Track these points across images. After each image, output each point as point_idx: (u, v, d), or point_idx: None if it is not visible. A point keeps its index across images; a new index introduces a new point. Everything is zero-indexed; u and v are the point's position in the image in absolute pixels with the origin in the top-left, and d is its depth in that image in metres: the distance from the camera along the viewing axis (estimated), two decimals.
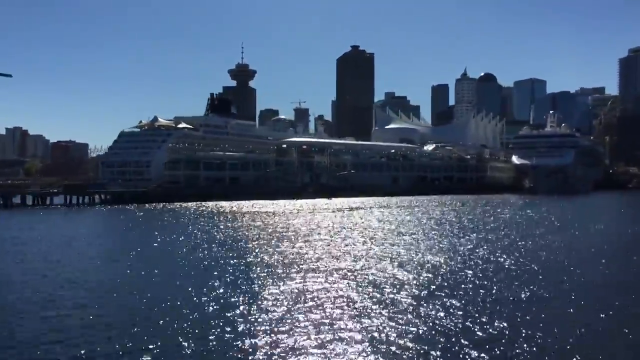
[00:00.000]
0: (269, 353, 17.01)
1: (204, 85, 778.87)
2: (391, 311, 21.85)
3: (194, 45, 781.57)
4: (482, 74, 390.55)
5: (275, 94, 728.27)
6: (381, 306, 22.64)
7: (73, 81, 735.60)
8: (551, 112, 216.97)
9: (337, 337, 18.31)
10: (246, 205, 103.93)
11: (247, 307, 22.70)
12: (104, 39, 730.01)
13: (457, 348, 17.29)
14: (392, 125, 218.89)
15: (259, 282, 28.25)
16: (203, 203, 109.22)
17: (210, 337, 18.67)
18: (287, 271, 31.01)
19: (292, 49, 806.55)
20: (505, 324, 19.88)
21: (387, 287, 26.54)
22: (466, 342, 17.75)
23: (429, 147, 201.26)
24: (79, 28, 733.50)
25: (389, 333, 18.82)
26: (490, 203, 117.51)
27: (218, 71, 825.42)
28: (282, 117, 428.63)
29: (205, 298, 24.54)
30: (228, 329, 19.56)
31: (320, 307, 22.44)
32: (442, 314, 21.34)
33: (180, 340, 18.35)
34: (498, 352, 17.01)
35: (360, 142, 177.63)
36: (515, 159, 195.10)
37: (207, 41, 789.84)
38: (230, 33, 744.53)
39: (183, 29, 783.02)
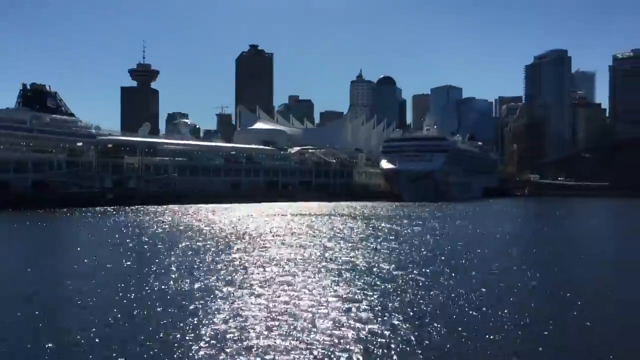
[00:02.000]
0: None
1: (102, 84, 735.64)
2: None
3: (92, 43, 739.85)
4: (381, 76, 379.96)
5: (180, 96, 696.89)
6: None
7: None
8: (428, 114, 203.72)
9: None
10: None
11: None
12: None
13: None
14: (256, 126, 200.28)
15: None
16: None
17: None
18: None
19: (196, 48, 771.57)
20: None
21: None
22: None
23: (293, 150, 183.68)
24: None
25: None
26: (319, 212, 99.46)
27: (118, 70, 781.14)
28: (185, 120, 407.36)
29: None
30: None
31: None
32: None
33: None
34: None
35: (191, 142, 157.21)
36: (383, 164, 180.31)
37: (106, 39, 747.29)
38: (131, 31, 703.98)
39: (82, 25, 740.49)
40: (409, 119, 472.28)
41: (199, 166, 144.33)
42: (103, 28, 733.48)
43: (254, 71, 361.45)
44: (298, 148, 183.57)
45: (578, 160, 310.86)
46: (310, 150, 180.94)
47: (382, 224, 68.41)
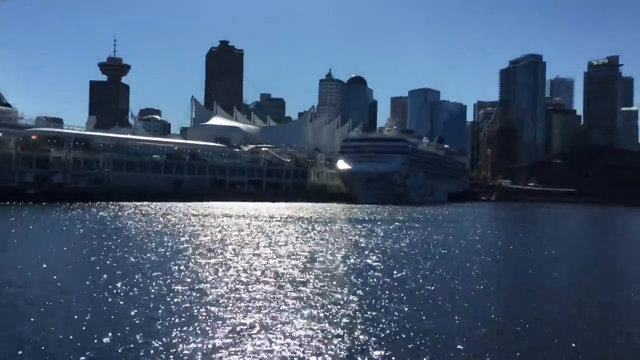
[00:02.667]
0: None
1: (71, 78, 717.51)
2: None
3: (61, 36, 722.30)
4: (353, 75, 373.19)
5: (153, 92, 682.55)
6: None
7: None
8: (391, 114, 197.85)
9: None
10: None
11: None
12: None
13: None
14: (210, 122, 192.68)
15: None
16: None
17: None
18: None
19: (168, 43, 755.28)
20: None
21: None
22: None
23: (246, 148, 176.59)
24: None
25: None
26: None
27: (88, 63, 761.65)
28: (156, 116, 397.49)
29: None
30: None
31: None
32: None
33: None
34: None
35: (130, 136, 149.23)
36: (339, 164, 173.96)
37: (76, 33, 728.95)
38: (101, 24, 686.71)
39: (53, 18, 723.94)
40: (383, 120, 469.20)
41: (136, 161, 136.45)
42: (74, 21, 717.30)
43: (224, 67, 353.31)
44: (252, 146, 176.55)
45: (548, 166, 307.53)
46: (263, 149, 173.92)
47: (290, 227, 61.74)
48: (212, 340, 16.12)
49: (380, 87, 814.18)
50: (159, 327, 17.45)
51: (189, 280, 25.90)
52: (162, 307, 20.15)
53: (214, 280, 25.72)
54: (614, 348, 16.91)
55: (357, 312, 20.00)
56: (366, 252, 38.23)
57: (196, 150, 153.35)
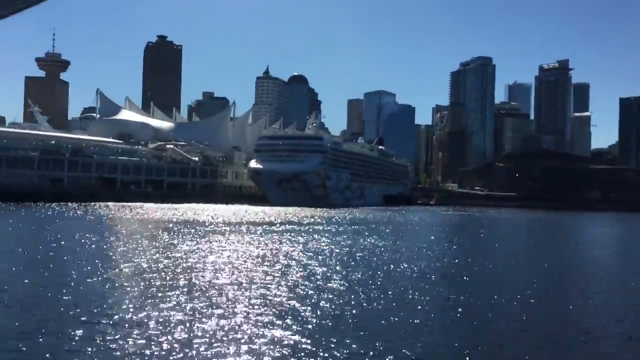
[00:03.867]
0: None
1: (7, 74, 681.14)
2: None
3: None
4: (295, 74, 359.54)
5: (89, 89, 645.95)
6: None
7: None
8: (314, 112, 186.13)
9: None
10: None
11: None
12: None
13: None
14: (117, 117, 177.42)
15: None
16: None
17: None
18: None
19: (109, 38, 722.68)
20: None
21: None
22: None
23: (152, 145, 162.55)
24: None
25: None
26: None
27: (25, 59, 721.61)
28: (93, 114, 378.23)
29: None
30: None
31: None
32: None
33: None
34: None
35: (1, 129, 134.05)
36: (251, 164, 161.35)
37: (13, 25, 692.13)
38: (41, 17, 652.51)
39: None
40: (330, 122, 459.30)
41: (2, 156, 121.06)
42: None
43: (161, 64, 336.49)
44: (159, 143, 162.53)
45: (493, 170, 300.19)
46: (168, 146, 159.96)
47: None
48: None
49: (328, 88, 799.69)
50: None
51: None
52: None
53: None
54: None
55: None
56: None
57: (80, 145, 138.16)
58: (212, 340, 15.57)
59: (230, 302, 20.59)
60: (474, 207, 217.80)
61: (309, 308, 20.08)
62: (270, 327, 17.25)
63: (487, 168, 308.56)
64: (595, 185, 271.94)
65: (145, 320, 17.57)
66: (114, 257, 32.28)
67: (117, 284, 23.66)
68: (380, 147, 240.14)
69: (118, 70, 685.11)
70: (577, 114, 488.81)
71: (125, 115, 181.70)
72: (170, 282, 24.30)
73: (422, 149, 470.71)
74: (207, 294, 21.89)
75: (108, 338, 15.48)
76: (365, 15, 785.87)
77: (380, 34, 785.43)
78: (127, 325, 16.89)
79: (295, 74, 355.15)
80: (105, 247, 37.87)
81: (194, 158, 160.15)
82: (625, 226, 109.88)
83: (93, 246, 37.77)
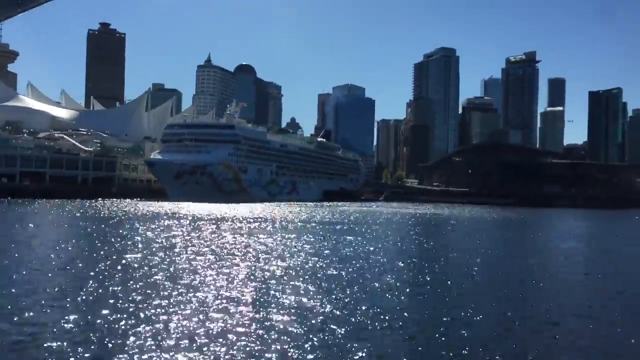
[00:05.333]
0: None
1: None
2: None
3: None
4: (241, 64, 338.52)
5: (47, 81, 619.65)
6: None
7: None
8: (234, 101, 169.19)
9: None
10: None
11: None
12: None
13: None
14: (9, 103, 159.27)
15: None
16: None
17: None
18: None
19: (53, 25, 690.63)
20: None
21: None
22: None
23: (43, 134, 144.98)
24: None
25: None
26: None
27: None
28: None
29: None
30: None
31: None
32: None
33: None
34: None
35: None
36: (153, 155, 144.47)
37: None
38: None
39: None
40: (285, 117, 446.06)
41: None
42: None
43: (104, 53, 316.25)
44: (47, 133, 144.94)
45: (451, 164, 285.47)
46: (57, 134, 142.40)
47: None
48: None
49: (299, 84, 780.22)
50: None
51: None
52: None
53: None
54: None
55: None
56: None
57: None
58: None
59: None
60: (427, 204, 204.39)
61: None
62: None
63: (445, 163, 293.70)
64: (556, 181, 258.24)
65: None
66: None
67: None
68: (320, 139, 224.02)
69: (63, 61, 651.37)
70: (549, 109, 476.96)
71: (20, 102, 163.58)
72: None
73: (391, 144, 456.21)
74: None
75: None
76: (335, 6, 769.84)
77: (349, 27, 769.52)
78: None
79: (242, 63, 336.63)
80: None
81: (88, 148, 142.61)
82: (571, 226, 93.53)
83: None
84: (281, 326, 16.44)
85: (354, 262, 30.98)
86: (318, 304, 19.70)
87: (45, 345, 14.16)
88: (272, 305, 19.06)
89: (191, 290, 21.24)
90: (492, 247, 42.90)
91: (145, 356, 13.45)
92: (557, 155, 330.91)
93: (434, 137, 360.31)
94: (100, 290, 20.96)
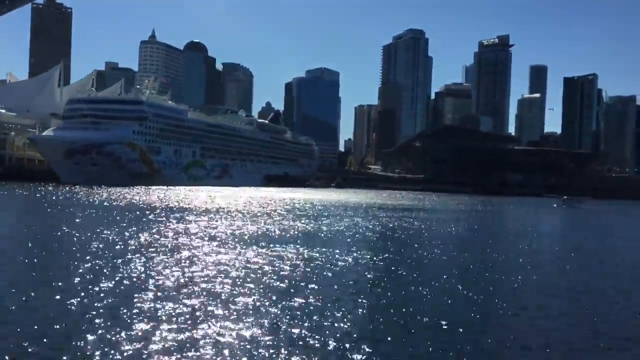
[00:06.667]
0: None
1: None
2: None
3: None
4: (190, 41, 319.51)
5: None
6: None
7: None
8: (154, 76, 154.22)
9: None
10: None
11: None
12: None
13: None
14: None
15: None
16: None
17: None
18: None
19: None
20: None
21: None
22: None
23: None
24: None
25: None
26: None
27: None
28: None
29: None
30: None
31: None
32: None
33: None
34: None
35: None
36: (47, 132, 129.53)
37: None
38: None
39: None
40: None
41: None
42: None
43: (49, 28, 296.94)
44: None
45: (411, 150, 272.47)
46: None
47: None
48: None
49: (268, 64, 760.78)
50: None
51: None
52: None
53: None
54: None
55: None
56: None
57: None
58: None
59: None
60: (384, 190, 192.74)
61: None
62: None
63: (406, 148, 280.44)
64: (519, 169, 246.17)
65: None
66: None
67: None
68: (261, 121, 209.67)
69: (6, 37, 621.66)
70: (526, 96, 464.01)
71: None
72: None
73: (364, 129, 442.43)
74: None
75: None
76: None
77: (323, 10, 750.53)
78: None
79: (194, 40, 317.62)
80: None
81: None
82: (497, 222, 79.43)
83: None
84: None
85: None
86: None
87: None
88: None
89: None
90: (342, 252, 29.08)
91: None
92: (533, 144, 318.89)
93: (400, 122, 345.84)
94: None
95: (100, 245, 25.57)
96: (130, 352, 11.20)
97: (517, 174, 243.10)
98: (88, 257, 21.94)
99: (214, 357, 11.17)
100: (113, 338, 11.98)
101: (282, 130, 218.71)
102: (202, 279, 18.55)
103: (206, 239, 29.68)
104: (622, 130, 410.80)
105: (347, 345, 12.31)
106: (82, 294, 15.89)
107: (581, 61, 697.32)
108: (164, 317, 13.72)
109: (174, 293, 16.28)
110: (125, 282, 17.75)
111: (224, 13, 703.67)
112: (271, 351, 11.65)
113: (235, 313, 14.37)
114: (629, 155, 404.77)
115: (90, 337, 11.94)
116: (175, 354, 11.18)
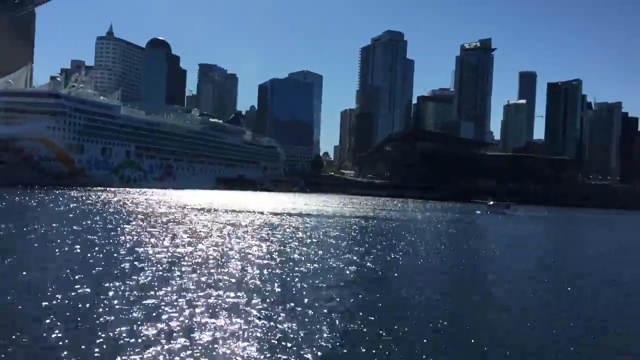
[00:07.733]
0: None
1: None
2: None
3: None
4: (153, 38, 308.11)
5: None
6: None
7: None
8: (83, 69, 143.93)
9: None
10: None
11: None
12: None
13: None
14: None
15: None
16: None
17: None
18: None
19: None
20: None
21: None
22: None
23: None
24: None
25: None
26: None
27: None
28: None
29: None
30: None
31: None
32: None
33: None
34: None
35: None
36: None
37: None
38: None
39: None
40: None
41: None
42: None
43: (11, 25, 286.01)
44: None
45: (382, 154, 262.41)
46: None
47: None
48: None
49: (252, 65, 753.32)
50: None
51: None
52: None
53: None
54: None
55: None
56: None
57: None
58: None
59: None
60: (348, 196, 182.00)
61: None
62: None
63: (377, 153, 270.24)
64: (492, 175, 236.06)
65: None
66: None
67: None
68: (214, 120, 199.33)
69: None
70: (512, 102, 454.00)
71: None
72: None
73: (347, 133, 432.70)
74: None
75: None
76: None
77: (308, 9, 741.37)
78: None
79: (157, 37, 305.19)
80: None
81: None
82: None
83: None
84: None
85: None
86: None
87: None
88: None
89: None
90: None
91: None
92: (518, 150, 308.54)
93: (377, 126, 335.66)
94: None
95: None
96: None
97: (489, 180, 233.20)
98: None
99: None
100: None
101: (239, 131, 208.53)
102: None
103: None
104: (608, 137, 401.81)
105: None
106: None
107: (567, 67, 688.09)
108: None
109: None
110: None
111: (201, 14, 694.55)
112: None
113: None
114: (613, 164, 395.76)
115: None
116: None
